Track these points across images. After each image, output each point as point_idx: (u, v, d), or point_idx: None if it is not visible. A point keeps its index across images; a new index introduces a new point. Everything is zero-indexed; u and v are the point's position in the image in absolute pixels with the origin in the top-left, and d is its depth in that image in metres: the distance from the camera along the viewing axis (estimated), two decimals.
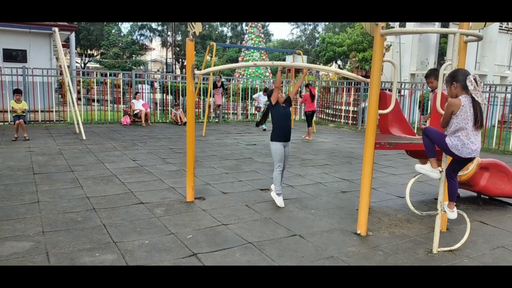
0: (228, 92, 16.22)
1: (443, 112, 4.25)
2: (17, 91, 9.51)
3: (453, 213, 3.82)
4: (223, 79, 15.11)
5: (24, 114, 9.51)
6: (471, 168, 4.33)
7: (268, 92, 5.28)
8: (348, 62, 27.46)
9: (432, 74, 5.17)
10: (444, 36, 24.13)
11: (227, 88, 15.98)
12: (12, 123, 9.58)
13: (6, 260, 3.26)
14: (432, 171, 3.77)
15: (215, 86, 14.23)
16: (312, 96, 11.64)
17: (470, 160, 3.61)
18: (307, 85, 12.24)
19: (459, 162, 3.69)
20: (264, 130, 13.23)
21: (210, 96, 13.27)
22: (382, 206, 5.23)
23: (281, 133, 4.99)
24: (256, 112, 14.70)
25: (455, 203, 3.83)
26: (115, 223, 4.19)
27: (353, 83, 15.32)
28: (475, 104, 3.37)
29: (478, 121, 3.38)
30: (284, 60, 32.52)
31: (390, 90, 5.25)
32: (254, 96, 14.26)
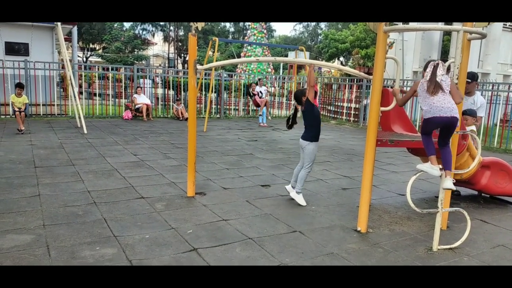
0: (230, 88, 16.20)
1: None
2: (19, 85, 9.51)
3: (449, 182, 3.85)
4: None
5: (24, 108, 9.51)
6: (472, 166, 4.32)
7: (298, 93, 5.07)
8: (351, 59, 27.39)
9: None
10: (447, 34, 24.02)
11: (229, 84, 15.76)
12: (14, 116, 9.58)
13: (7, 253, 3.27)
14: (432, 168, 3.84)
15: (252, 94, 13.90)
16: (315, 93, 11.62)
17: (450, 123, 3.71)
18: None
19: (444, 131, 3.81)
20: (260, 125, 13.20)
21: (212, 91, 13.25)
22: (383, 203, 5.23)
23: (319, 133, 5.00)
24: (255, 107, 14.57)
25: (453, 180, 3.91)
26: (116, 217, 4.20)
27: (355, 80, 15.29)
28: (432, 80, 3.69)
29: (429, 88, 3.70)
30: (286, 56, 32.50)
31: (393, 87, 5.24)
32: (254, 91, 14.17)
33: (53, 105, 12.94)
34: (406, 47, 19.85)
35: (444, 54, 24.80)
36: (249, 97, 14.64)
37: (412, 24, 16.02)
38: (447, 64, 4.46)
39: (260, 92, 13.76)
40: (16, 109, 9.25)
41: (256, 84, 13.93)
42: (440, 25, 13.45)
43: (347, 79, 15.89)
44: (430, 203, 5.32)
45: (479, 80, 14.84)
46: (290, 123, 5.25)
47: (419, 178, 5.83)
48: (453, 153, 4.11)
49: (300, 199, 4.98)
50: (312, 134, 4.95)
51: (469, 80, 5.18)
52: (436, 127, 3.83)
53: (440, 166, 3.82)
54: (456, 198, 5.49)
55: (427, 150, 3.93)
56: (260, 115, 13.62)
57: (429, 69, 3.74)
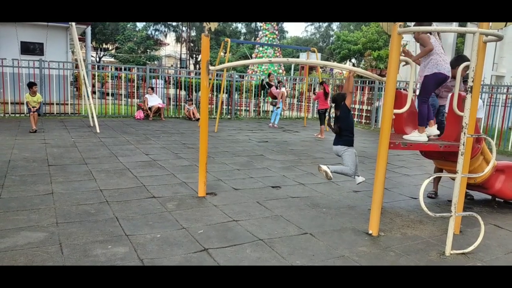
0: (241, 88, 16.20)
1: (460, 114, 4.20)
2: (33, 84, 9.63)
3: (422, 137, 4.49)
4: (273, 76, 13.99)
5: (38, 107, 9.62)
6: (486, 170, 4.25)
7: (339, 97, 4.90)
8: (363, 61, 27.24)
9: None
10: (460, 36, 23.76)
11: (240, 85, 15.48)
12: (28, 115, 9.71)
13: (21, 250, 3.31)
14: (420, 136, 4.51)
15: (270, 86, 13.32)
16: (326, 94, 11.58)
17: (445, 81, 4.55)
18: (321, 83, 12.18)
19: (435, 84, 4.56)
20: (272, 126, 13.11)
21: (223, 92, 13.25)
22: (395, 206, 5.18)
23: (353, 139, 4.98)
24: (273, 106, 14.37)
25: (425, 127, 4.60)
26: (128, 216, 4.23)
27: (367, 81, 15.19)
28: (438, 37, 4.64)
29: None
30: (297, 57, 32.43)
31: (405, 89, 5.19)
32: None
33: (67, 104, 13.11)
34: (419, 49, 19.67)
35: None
36: (262, 91, 14.10)
37: (427, 26, 15.84)
38: (462, 66, 4.41)
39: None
40: (31, 108, 9.36)
41: (276, 87, 13.61)
42: (455, 26, 13.28)
43: (359, 81, 15.79)
44: (443, 207, 5.26)
45: (493, 83, 14.60)
46: (333, 125, 5.05)
47: (432, 181, 5.78)
48: (466, 157, 4.06)
49: (325, 168, 4.91)
50: (349, 139, 4.92)
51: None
52: (439, 83, 4.54)
53: (427, 133, 4.52)
54: (469, 202, 5.42)
55: (424, 119, 4.54)
56: (277, 107, 13.26)
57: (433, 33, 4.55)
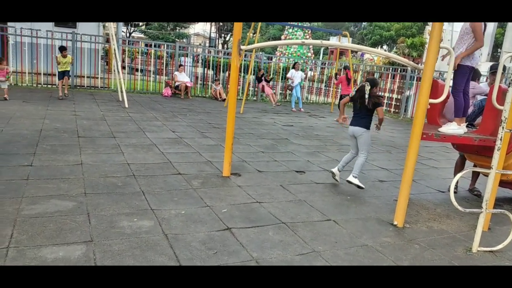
0: (269, 70, 16.03)
1: (499, 107, 4.03)
2: (63, 49, 9.97)
3: (461, 129, 4.43)
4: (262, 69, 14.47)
5: (68, 69, 9.94)
6: None
7: (375, 81, 5.07)
8: (395, 48, 26.50)
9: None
10: (500, 27, 22.79)
11: (267, 73, 15.39)
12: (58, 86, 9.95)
13: (51, 217, 3.41)
14: (458, 128, 4.42)
15: (260, 80, 13.83)
16: (348, 80, 11.35)
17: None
18: (345, 68, 11.93)
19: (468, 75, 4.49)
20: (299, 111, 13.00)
21: (251, 74, 13.15)
22: (421, 199, 5.07)
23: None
24: (289, 91, 14.30)
25: (466, 123, 4.62)
26: (153, 191, 4.29)
27: (399, 69, 14.78)
28: None
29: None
30: (328, 40, 31.77)
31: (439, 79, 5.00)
32: (288, 75, 13.85)
33: (97, 77, 13.30)
34: (456, 38, 18.99)
35: (495, 48, 23.54)
36: (257, 82, 14.31)
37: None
38: (505, 58, 4.21)
39: (292, 78, 13.34)
40: (60, 71, 9.72)
41: (293, 67, 13.55)
42: None
43: (391, 68, 15.40)
44: (471, 202, 5.13)
45: None
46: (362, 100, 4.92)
47: (462, 176, 5.61)
48: (502, 152, 3.91)
49: (358, 182, 5.00)
50: (368, 122, 4.96)
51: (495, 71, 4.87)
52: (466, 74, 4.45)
53: (464, 125, 4.49)
54: (499, 199, 5.25)
55: (460, 110, 4.45)
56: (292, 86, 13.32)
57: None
